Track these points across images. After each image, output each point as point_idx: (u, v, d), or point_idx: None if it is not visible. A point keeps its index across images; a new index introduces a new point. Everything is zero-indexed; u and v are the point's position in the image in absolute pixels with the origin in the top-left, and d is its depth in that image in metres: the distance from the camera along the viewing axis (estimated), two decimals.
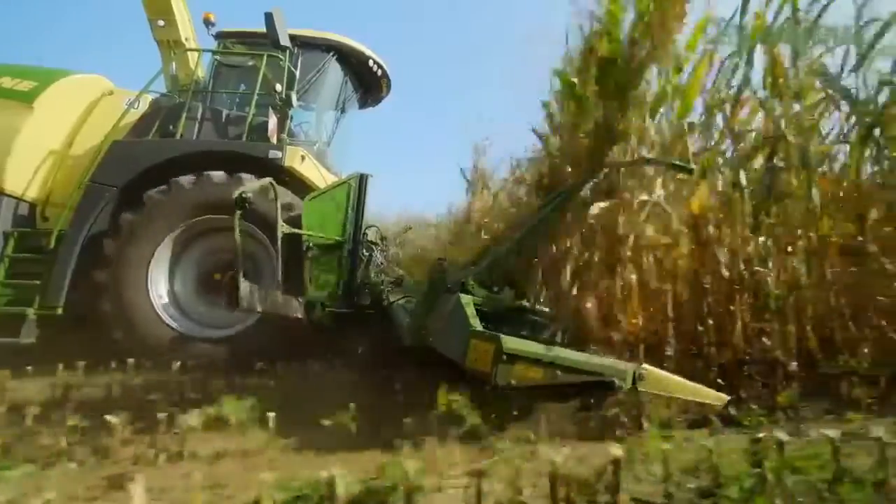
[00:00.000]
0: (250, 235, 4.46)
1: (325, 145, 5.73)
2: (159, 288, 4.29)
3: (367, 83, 6.02)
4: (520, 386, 1.89)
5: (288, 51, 4.83)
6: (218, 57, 5.13)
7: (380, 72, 5.89)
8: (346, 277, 4.18)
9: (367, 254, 4.77)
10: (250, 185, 2.97)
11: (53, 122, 4.67)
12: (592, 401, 1.99)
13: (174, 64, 5.58)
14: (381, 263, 5.04)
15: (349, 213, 4.24)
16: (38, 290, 4.16)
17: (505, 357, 1.88)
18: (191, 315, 4.40)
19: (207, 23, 5.33)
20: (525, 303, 2.75)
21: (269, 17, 4.78)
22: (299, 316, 3.66)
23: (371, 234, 4.88)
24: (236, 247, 2.87)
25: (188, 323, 4.32)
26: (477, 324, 2.07)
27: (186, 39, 5.51)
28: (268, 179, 3.28)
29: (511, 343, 1.91)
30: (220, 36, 5.37)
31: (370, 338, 4.11)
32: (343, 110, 5.85)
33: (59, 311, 4.13)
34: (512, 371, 1.89)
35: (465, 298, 2.22)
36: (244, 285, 2.84)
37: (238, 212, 2.84)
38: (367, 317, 4.20)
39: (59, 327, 4.23)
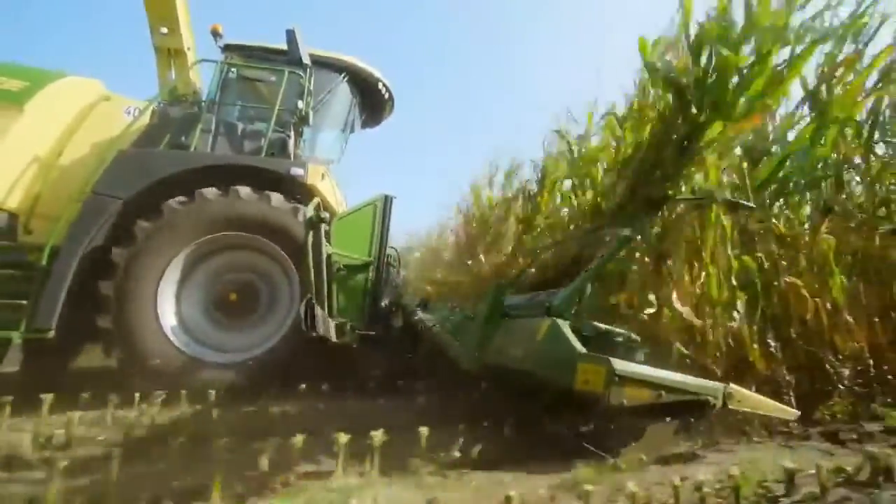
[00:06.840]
0: (267, 254, 4.30)
1: (333, 165, 5.66)
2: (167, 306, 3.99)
3: (373, 105, 6.06)
4: (630, 406, 1.99)
5: (308, 69, 4.79)
6: (233, 70, 4.95)
7: (387, 95, 5.97)
8: (373, 299, 4.14)
9: (385, 276, 4.74)
10: (311, 205, 2.90)
11: (44, 127, 4.26)
12: (692, 420, 2.13)
13: (173, 72, 5.34)
14: (397, 286, 5.01)
15: (375, 234, 4.24)
16: (24, 311, 3.71)
17: (617, 378, 1.97)
18: (200, 337, 4.11)
19: (215, 34, 5.16)
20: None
21: (290, 34, 4.75)
22: (334, 339, 3.56)
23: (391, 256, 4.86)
24: (308, 271, 2.78)
25: (198, 346, 4.03)
26: (581, 347, 2.15)
27: (188, 49, 5.31)
28: (317, 200, 3.21)
29: (620, 365, 2.01)
30: (228, 48, 5.20)
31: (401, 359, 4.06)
32: (352, 130, 5.83)
33: (51, 334, 3.70)
34: (623, 392, 1.99)
35: (562, 322, 2.30)
36: (320, 311, 2.74)
37: (310, 234, 2.75)
38: (396, 339, 4.16)
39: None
